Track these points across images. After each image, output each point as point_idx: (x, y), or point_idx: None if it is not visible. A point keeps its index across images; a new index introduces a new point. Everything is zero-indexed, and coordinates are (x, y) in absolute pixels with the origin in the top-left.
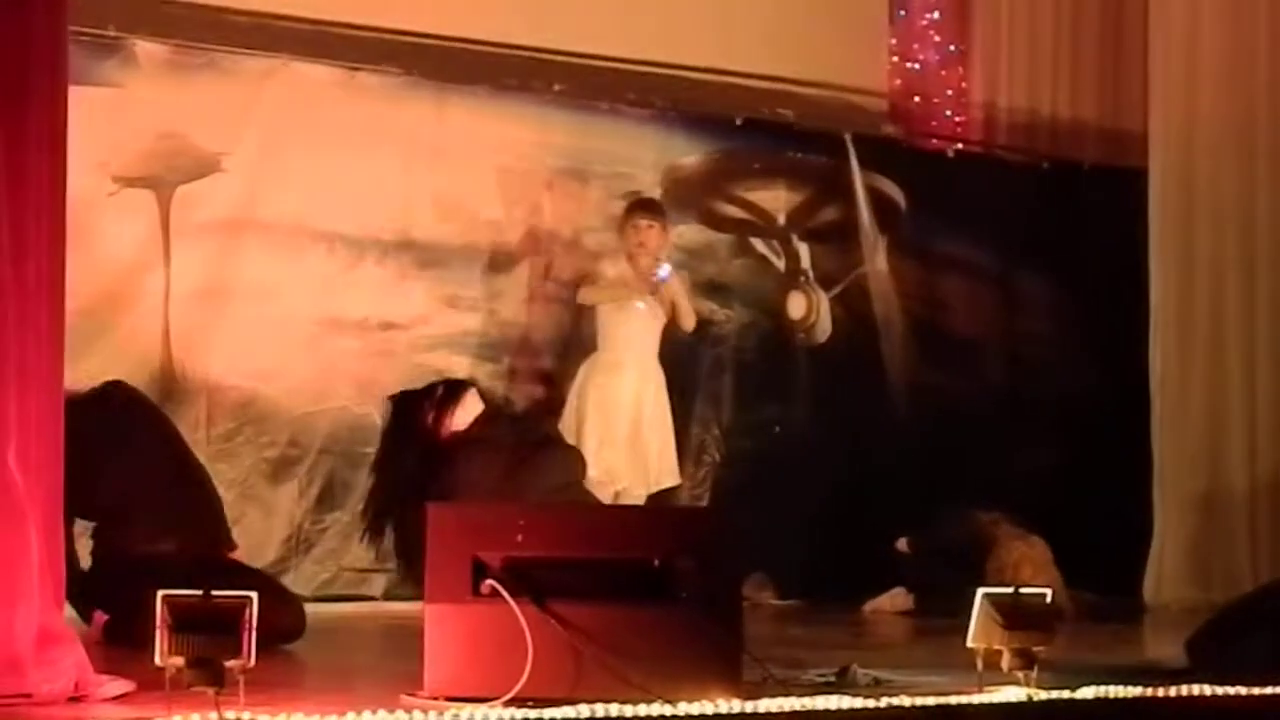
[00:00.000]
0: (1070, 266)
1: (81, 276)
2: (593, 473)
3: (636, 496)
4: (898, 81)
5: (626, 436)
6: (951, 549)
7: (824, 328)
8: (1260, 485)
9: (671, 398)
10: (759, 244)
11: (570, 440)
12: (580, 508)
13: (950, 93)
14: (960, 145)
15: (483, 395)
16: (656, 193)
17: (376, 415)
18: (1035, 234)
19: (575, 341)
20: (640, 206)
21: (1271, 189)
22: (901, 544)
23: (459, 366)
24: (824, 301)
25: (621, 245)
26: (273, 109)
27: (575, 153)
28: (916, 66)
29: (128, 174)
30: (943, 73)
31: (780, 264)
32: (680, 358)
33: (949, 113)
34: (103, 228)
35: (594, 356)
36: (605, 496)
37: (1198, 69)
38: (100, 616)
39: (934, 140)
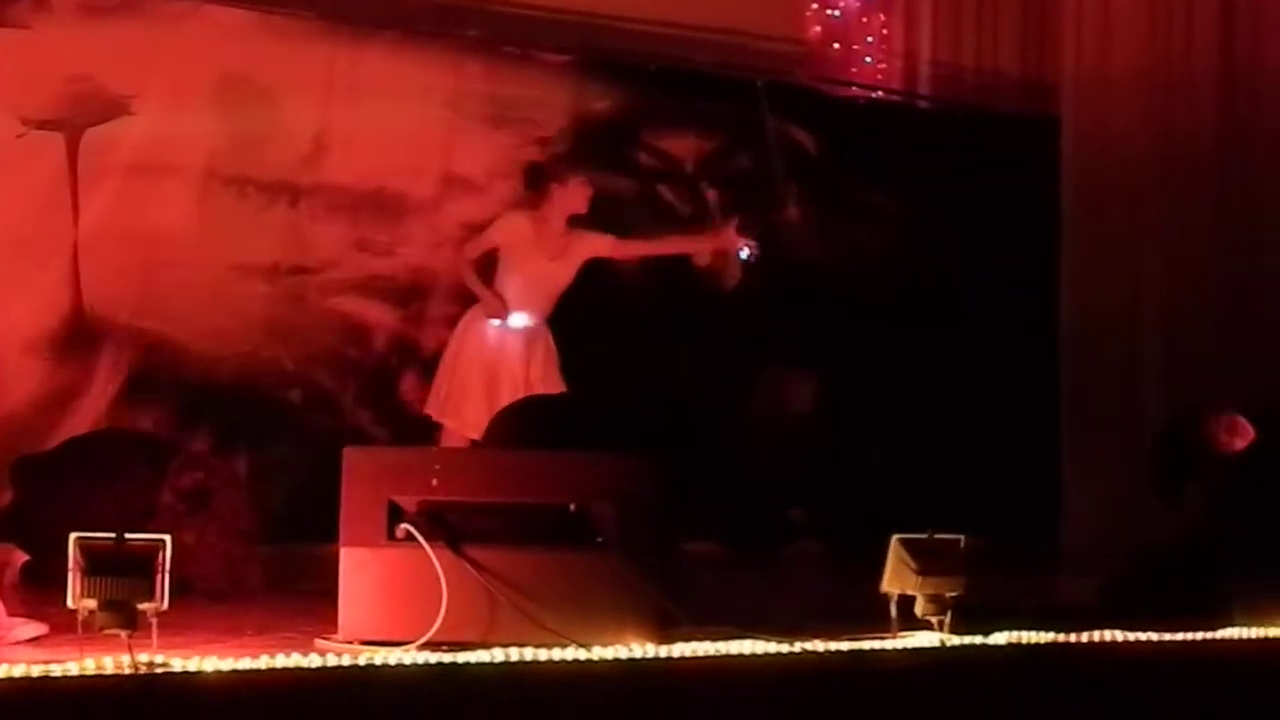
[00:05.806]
0: (987, 216)
1: None
2: (450, 422)
3: None
4: (817, 28)
5: (486, 391)
6: None
7: (732, 275)
8: None
9: (578, 346)
10: (667, 191)
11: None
12: (497, 452)
13: (871, 40)
14: (880, 93)
15: None
16: (569, 139)
17: (286, 359)
18: (951, 183)
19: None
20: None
21: (1184, 139)
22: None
23: (370, 311)
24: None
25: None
26: (185, 52)
27: (488, 98)
28: (837, 13)
29: (37, 116)
30: (863, 20)
31: (688, 211)
32: (585, 305)
33: (869, 60)
34: (10, 171)
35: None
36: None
37: (1111, 19)
38: (19, 556)
39: (852, 88)
